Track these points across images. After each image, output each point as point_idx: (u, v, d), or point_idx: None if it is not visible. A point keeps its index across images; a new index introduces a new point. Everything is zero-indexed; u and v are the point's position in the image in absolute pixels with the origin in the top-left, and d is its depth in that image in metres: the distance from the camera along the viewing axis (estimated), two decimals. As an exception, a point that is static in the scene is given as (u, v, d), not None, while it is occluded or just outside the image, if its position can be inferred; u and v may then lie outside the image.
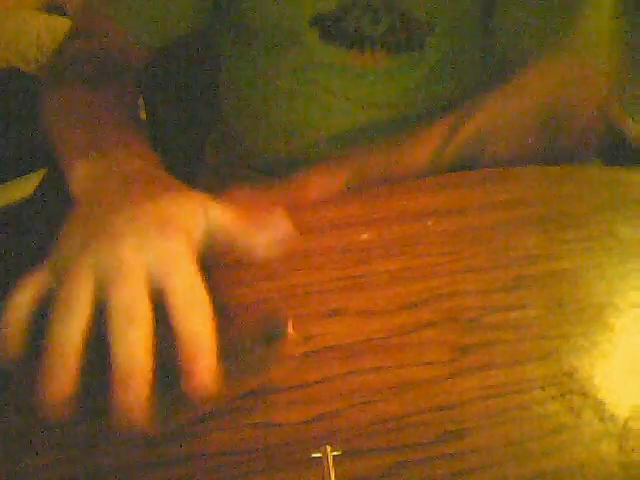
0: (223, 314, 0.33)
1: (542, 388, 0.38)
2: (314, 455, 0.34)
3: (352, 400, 0.37)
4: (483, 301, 0.42)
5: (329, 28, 0.59)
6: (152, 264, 0.32)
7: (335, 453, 0.34)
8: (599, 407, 0.37)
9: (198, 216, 0.36)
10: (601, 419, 0.36)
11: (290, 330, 0.38)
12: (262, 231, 0.37)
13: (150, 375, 0.29)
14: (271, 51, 0.63)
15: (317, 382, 0.38)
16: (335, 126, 0.65)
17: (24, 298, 0.33)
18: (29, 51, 1.27)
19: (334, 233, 0.46)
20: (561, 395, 0.37)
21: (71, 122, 0.47)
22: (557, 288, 0.43)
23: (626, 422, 0.36)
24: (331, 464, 0.34)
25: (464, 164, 0.54)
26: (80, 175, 0.39)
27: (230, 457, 0.35)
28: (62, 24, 1.34)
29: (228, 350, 0.32)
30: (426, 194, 0.49)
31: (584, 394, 0.37)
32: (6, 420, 0.37)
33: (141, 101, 0.84)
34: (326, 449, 0.34)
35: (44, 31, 1.29)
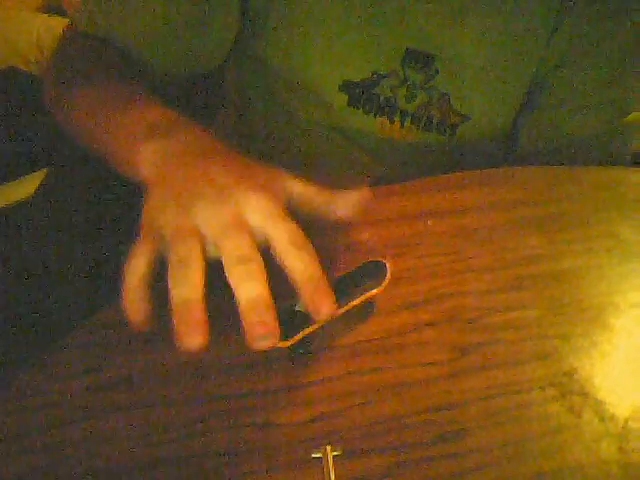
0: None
1: (542, 388, 0.38)
2: (314, 455, 0.34)
3: (352, 400, 0.37)
4: (483, 301, 0.42)
5: (358, 95, 0.59)
6: (251, 217, 0.36)
7: (335, 453, 0.34)
8: (599, 407, 0.37)
9: (278, 179, 0.39)
10: (601, 419, 0.36)
11: (388, 276, 0.40)
12: (339, 193, 0.40)
13: (272, 302, 0.33)
14: (297, 100, 0.63)
15: (317, 382, 0.38)
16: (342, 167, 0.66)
17: (139, 264, 0.35)
18: (29, 51, 1.27)
19: (334, 233, 0.46)
20: (561, 395, 0.37)
21: (111, 114, 0.47)
22: (557, 288, 0.43)
23: (626, 422, 0.36)
24: (331, 464, 0.34)
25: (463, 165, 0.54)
26: (150, 157, 0.40)
27: (230, 457, 0.35)
28: (62, 24, 1.34)
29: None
30: (426, 194, 0.49)
31: (584, 394, 0.37)
32: (6, 420, 0.37)
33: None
34: (326, 449, 0.34)
35: (44, 31, 1.29)
